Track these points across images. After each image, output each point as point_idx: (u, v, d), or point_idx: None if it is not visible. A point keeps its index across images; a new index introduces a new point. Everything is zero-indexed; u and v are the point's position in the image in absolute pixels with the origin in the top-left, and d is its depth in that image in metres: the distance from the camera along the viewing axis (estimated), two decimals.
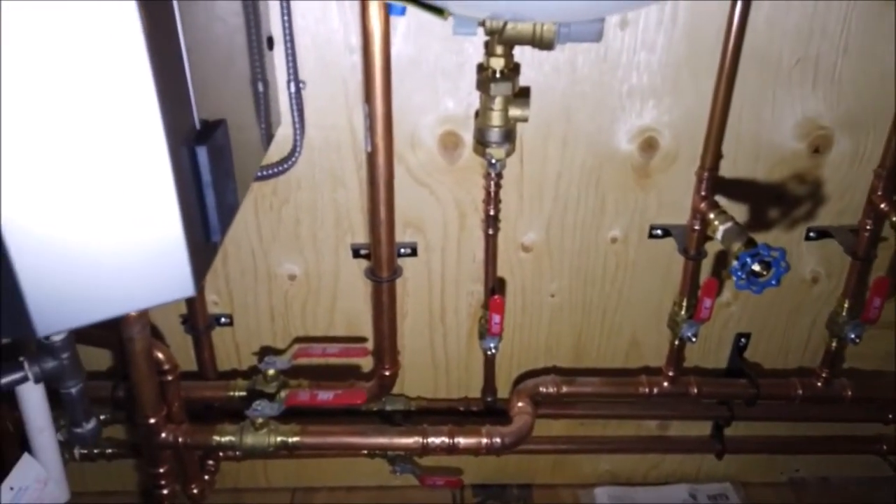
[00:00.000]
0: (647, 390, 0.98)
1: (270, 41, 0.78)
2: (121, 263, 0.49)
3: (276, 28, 0.78)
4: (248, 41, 0.71)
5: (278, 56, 0.80)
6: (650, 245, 0.95)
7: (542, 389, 0.97)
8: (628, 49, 0.81)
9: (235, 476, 1.14)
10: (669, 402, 1.03)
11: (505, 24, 0.70)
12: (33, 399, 0.78)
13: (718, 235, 0.76)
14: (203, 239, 0.54)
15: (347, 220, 0.92)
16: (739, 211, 0.91)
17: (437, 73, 0.82)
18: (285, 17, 0.77)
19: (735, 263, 0.69)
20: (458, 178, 0.89)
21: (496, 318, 0.90)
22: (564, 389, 0.97)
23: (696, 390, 0.98)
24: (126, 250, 0.48)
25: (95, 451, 1.01)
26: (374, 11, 0.70)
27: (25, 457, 0.75)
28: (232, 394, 0.96)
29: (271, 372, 0.94)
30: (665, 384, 0.98)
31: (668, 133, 0.87)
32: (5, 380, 0.66)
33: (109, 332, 0.85)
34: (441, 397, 1.07)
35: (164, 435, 0.88)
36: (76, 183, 0.45)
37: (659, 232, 0.93)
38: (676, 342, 0.96)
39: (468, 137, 0.86)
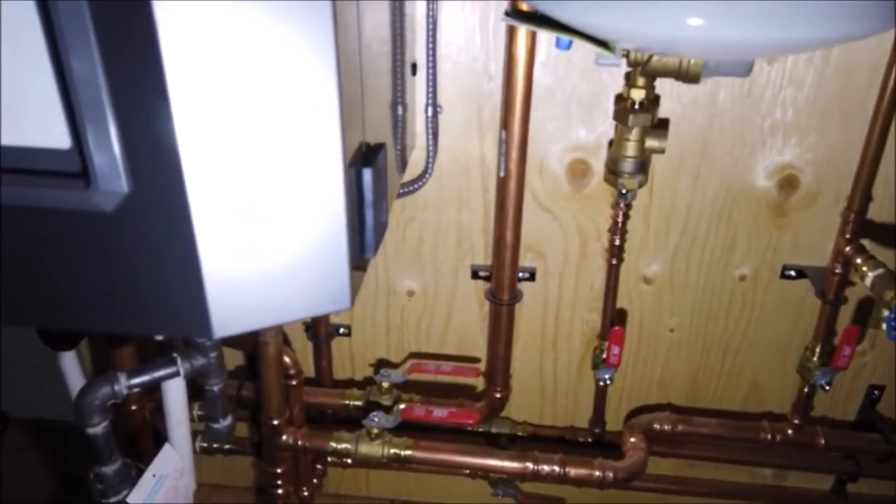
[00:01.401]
0: (769, 437, 0.94)
1: (414, 67, 0.81)
2: (290, 275, 0.52)
3: (419, 55, 0.81)
4: (393, 66, 0.74)
5: (418, 81, 0.83)
6: (781, 286, 0.91)
7: (657, 426, 0.95)
8: (774, 84, 0.79)
9: (338, 482, 1.18)
10: (790, 451, 0.98)
11: (650, 56, 0.70)
12: (175, 393, 0.84)
13: (868, 282, 0.73)
14: (360, 256, 0.57)
15: (469, 241, 0.94)
16: (886, 256, 0.85)
17: (571, 101, 0.83)
18: (430, 46, 0.80)
19: (888, 313, 0.65)
20: (584, 205, 0.89)
21: (615, 349, 0.89)
22: (680, 428, 0.95)
23: (823, 441, 0.93)
24: (296, 263, 0.52)
25: (215, 445, 1.07)
26: (522, 41, 0.72)
27: (167, 447, 0.80)
28: (347, 402, 0.99)
29: (386, 384, 0.96)
30: (789, 432, 0.94)
31: (810, 171, 0.83)
32: (160, 373, 0.71)
33: (244, 335, 0.90)
34: (546, 424, 1.07)
35: (285, 437, 0.92)
36: (260, 199, 0.48)
37: (792, 273, 0.89)
38: (806, 389, 0.91)
39: (597, 166, 0.86)
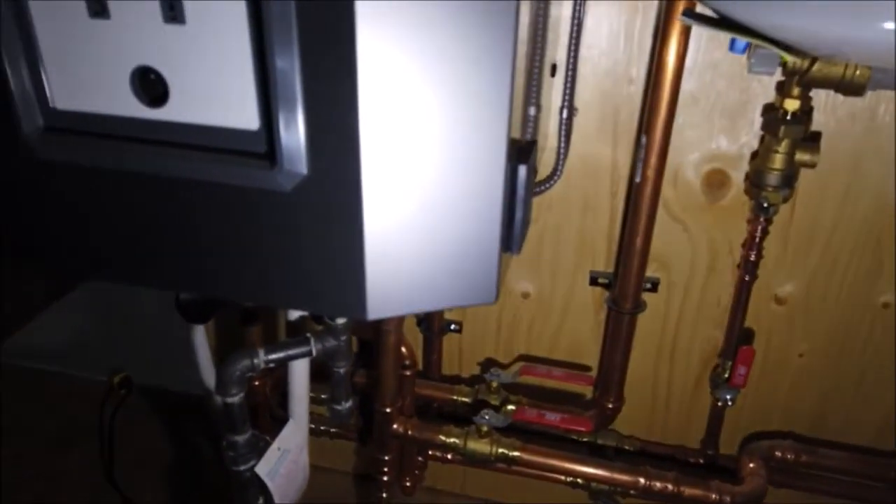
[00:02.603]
0: None
1: (554, 68, 0.81)
2: (443, 264, 0.53)
3: (560, 56, 0.81)
4: (530, 66, 0.74)
5: (555, 82, 0.83)
6: None
7: (778, 454, 0.90)
8: None
9: (436, 477, 1.19)
10: None
11: (811, 64, 0.67)
12: (300, 372, 0.87)
13: None
14: (506, 251, 0.57)
15: (591, 246, 0.93)
16: None
17: (715, 110, 0.80)
18: (572, 47, 0.79)
19: None
20: (717, 217, 0.86)
21: (742, 369, 0.85)
22: (803, 458, 0.90)
23: None
24: (450, 253, 0.53)
25: (322, 427, 1.11)
26: (673, 46, 0.70)
27: (291, 423, 0.83)
28: (455, 398, 1.00)
29: (495, 384, 0.97)
30: None
31: None
32: (294, 352, 0.74)
33: (364, 322, 0.93)
34: (655, 440, 1.04)
35: (396, 426, 0.94)
36: (425, 189, 0.49)
37: None
38: None
39: (736, 177, 0.83)
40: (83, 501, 1.19)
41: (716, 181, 0.84)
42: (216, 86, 0.46)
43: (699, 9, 0.66)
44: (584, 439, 1.02)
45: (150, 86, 0.48)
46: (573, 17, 0.78)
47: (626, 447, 1.01)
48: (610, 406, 0.94)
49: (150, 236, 0.53)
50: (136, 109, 0.48)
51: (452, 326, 1.05)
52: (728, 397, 0.90)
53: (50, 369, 1.52)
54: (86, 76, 0.48)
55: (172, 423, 1.37)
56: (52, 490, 1.21)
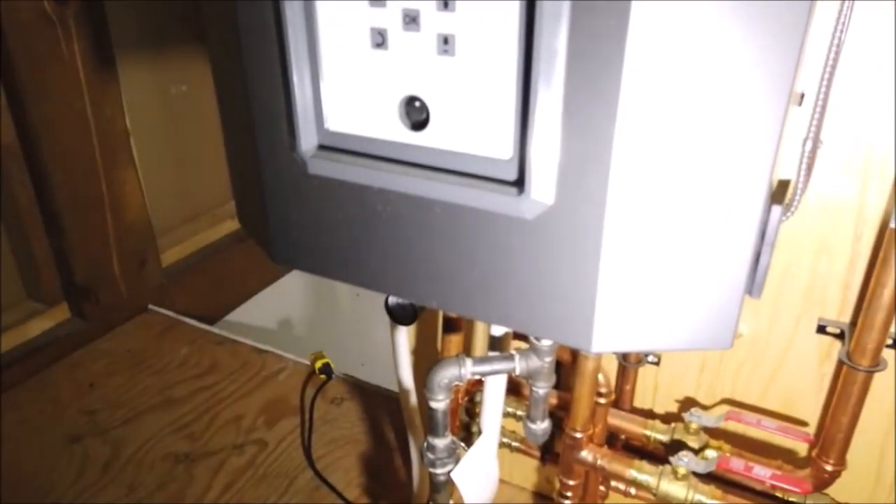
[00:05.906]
0: None
1: (802, 97, 0.75)
2: (678, 305, 0.51)
3: (809, 84, 0.74)
4: None
5: (799, 111, 0.76)
6: None
7: None
8: None
9: None
10: None
11: None
12: (497, 386, 0.88)
13: None
14: (748, 294, 0.54)
15: (822, 292, 0.84)
16: None
17: None
18: (827, 76, 0.73)
19: None
20: None
21: None
22: None
23: None
24: (687, 294, 0.50)
25: (504, 440, 1.12)
26: None
27: (486, 434, 0.85)
28: (648, 433, 0.96)
29: (695, 425, 0.91)
30: None
31: None
32: (499, 367, 0.76)
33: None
34: None
35: (584, 453, 0.92)
36: (671, 228, 0.48)
37: None
38: None
39: None
40: (284, 471, 1.32)
41: None
42: (475, 115, 0.49)
43: None
44: (792, 499, 0.93)
45: (414, 112, 0.51)
46: (831, 46, 0.71)
47: None
48: (829, 469, 0.85)
49: (395, 247, 0.57)
50: (399, 134, 0.52)
51: (651, 358, 1.01)
52: None
53: (259, 347, 1.70)
54: (358, 101, 0.53)
55: (365, 413, 1.47)
56: (261, 453, 1.36)
